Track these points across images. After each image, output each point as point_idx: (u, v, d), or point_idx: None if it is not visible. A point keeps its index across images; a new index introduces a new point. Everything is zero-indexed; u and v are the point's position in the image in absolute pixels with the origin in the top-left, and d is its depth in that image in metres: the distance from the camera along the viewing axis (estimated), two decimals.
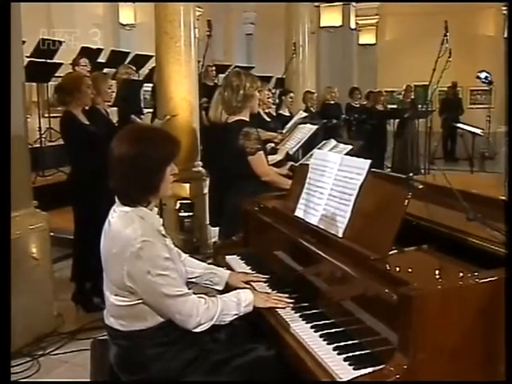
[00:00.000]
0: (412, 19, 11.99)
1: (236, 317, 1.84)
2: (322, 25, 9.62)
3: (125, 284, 1.72)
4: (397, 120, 9.45)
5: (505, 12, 11.55)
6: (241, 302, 1.86)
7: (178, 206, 5.08)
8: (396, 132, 9.68)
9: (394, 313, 1.46)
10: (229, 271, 2.24)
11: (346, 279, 1.77)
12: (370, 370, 1.51)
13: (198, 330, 1.77)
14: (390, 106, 9.76)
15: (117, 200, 1.82)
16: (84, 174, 3.65)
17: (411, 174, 1.85)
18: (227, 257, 2.61)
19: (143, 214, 1.79)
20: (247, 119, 3.12)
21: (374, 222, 1.80)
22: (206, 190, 5.24)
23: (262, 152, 3.06)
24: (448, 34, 5.68)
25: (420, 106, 8.44)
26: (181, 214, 5.08)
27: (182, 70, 5.09)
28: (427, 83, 12.18)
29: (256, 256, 2.54)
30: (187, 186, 5.18)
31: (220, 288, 2.18)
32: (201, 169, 5.50)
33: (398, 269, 1.60)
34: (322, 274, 1.96)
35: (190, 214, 5.13)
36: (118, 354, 1.83)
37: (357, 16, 11.57)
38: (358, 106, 9.02)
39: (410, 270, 1.60)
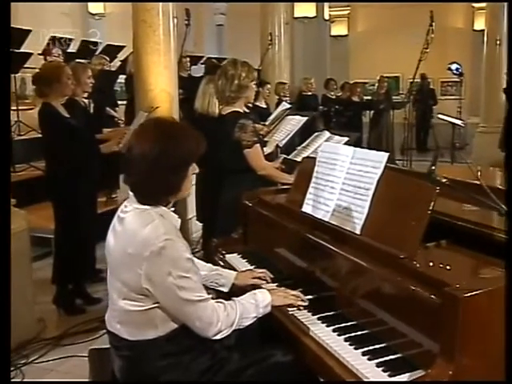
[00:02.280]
0: (383, 11, 12.02)
1: (255, 319, 1.73)
2: (295, 15, 9.49)
3: (141, 286, 1.58)
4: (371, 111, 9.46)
5: (474, 5, 11.70)
6: (259, 303, 1.74)
7: None
8: (371, 123, 9.69)
9: (432, 315, 1.38)
10: (235, 272, 2.12)
11: (370, 279, 1.67)
12: (406, 375, 1.43)
13: (217, 337, 1.65)
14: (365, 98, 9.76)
15: (131, 197, 1.68)
16: (64, 169, 3.45)
17: (433, 168, 1.76)
18: (227, 255, 2.49)
19: (163, 212, 1.66)
20: (242, 111, 2.99)
21: (397, 219, 1.70)
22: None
23: (258, 145, 2.94)
24: (434, 24, 5.59)
25: (407, 95, 8.44)
26: None
27: (160, 60, 4.88)
28: (399, 74, 12.38)
29: (259, 254, 2.42)
30: None
31: (226, 290, 2.05)
32: None
33: (432, 268, 1.51)
34: (339, 273, 1.86)
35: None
36: (124, 366, 1.68)
37: (329, 7, 11.50)
38: (334, 97, 8.97)
39: (444, 268, 1.51)
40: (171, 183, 1.65)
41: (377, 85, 10.08)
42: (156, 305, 1.61)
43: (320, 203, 2.11)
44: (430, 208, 1.59)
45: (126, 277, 1.61)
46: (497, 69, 8.71)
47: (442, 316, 1.34)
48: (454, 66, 10.34)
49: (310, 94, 8.47)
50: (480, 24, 11.18)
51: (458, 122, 6.65)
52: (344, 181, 2.02)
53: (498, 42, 8.88)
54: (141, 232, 1.59)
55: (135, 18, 4.80)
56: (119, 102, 6.48)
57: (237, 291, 2.06)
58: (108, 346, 2.98)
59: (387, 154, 1.87)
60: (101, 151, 3.49)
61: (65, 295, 3.72)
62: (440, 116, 6.28)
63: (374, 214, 1.81)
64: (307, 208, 2.18)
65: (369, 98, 9.80)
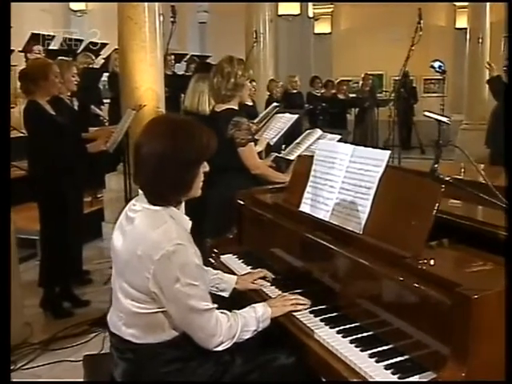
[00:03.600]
0: (365, 9, 12.05)
1: (255, 333, 1.69)
2: (279, 13, 9.46)
3: (148, 290, 1.53)
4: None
5: (456, 4, 11.80)
6: (259, 317, 1.70)
7: None
8: (356, 121, 9.72)
9: (442, 315, 1.36)
10: (235, 276, 2.07)
11: (375, 279, 1.64)
12: (416, 377, 1.41)
13: (218, 349, 1.61)
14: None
15: (141, 196, 1.63)
16: (51, 168, 3.36)
17: (436, 166, 1.74)
18: (222, 256, 2.44)
19: (174, 214, 1.62)
20: (237, 108, 2.95)
21: (401, 218, 1.67)
22: None
23: (252, 143, 2.90)
24: (422, 21, 5.60)
25: (395, 93, 8.46)
26: None
27: (147, 57, 4.82)
28: (382, 72, 12.44)
29: (255, 254, 2.38)
30: None
31: (226, 295, 2.01)
32: None
33: (439, 268, 1.49)
34: (341, 274, 1.83)
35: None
36: (127, 370, 1.62)
37: (313, 5, 11.49)
38: (319, 94, 8.97)
39: (450, 268, 1.49)
40: (183, 181, 1.61)
41: (361, 82, 10.12)
42: (164, 309, 1.56)
43: (319, 202, 2.07)
44: (436, 207, 1.57)
45: (134, 278, 1.56)
46: (479, 66, 8.79)
47: (452, 317, 1.31)
48: (436, 64, 10.40)
49: (295, 91, 8.46)
50: (462, 22, 11.29)
51: (444, 119, 6.71)
52: (344, 179, 1.98)
53: (480, 41, 8.98)
54: (151, 234, 1.54)
55: (120, 15, 4.73)
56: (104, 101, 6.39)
57: (236, 295, 2.03)
58: (101, 350, 2.96)
59: (389, 152, 1.84)
60: (88, 150, 3.41)
61: (52, 298, 3.64)
62: (426, 113, 6.34)
63: (377, 213, 1.78)
64: (305, 207, 2.14)
65: (353, 95, 9.82)
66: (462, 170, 2.37)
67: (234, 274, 2.24)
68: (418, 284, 1.45)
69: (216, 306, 1.62)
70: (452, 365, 1.30)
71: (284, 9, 9.42)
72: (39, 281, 3.64)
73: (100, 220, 5.18)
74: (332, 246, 1.86)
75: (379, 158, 1.86)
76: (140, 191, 1.64)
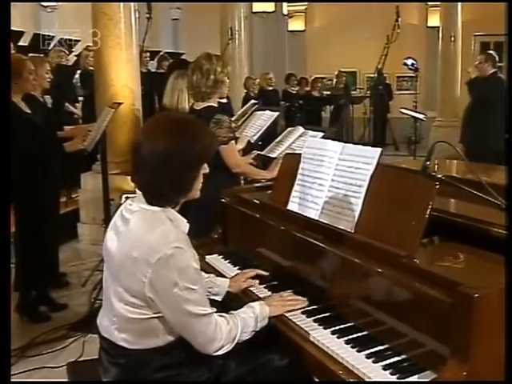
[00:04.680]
0: (339, 6, 12.10)
1: (253, 334, 1.65)
2: (254, 10, 9.42)
3: (144, 294, 1.47)
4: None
5: (429, 2, 11.95)
6: (257, 316, 1.67)
7: (123, 200, 4.74)
8: (331, 118, 9.76)
9: (441, 314, 1.34)
10: (228, 279, 2.02)
11: (369, 278, 1.62)
12: (415, 377, 1.39)
13: (218, 353, 1.56)
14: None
15: (138, 196, 1.58)
16: (27, 169, 3.25)
17: (428, 163, 1.72)
18: (207, 257, 2.39)
19: (172, 215, 1.56)
20: (216, 106, 2.90)
21: (395, 216, 1.66)
22: None
23: (234, 141, 2.85)
24: (400, 19, 5.63)
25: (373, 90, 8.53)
26: None
27: (122, 54, 4.73)
28: (355, 70, 12.52)
29: (241, 254, 2.34)
30: None
31: (219, 299, 1.96)
32: None
33: (435, 266, 1.47)
34: (333, 273, 1.80)
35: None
36: (119, 375, 1.55)
37: (287, 2, 11.48)
38: (294, 92, 8.97)
39: (447, 266, 1.48)
40: (184, 181, 1.56)
41: (335, 80, 10.17)
42: (159, 314, 1.51)
43: (308, 201, 2.04)
44: (431, 204, 1.55)
45: (128, 282, 1.50)
46: (452, 64, 8.94)
47: (453, 316, 1.30)
48: (409, 62, 10.53)
49: (270, 89, 8.42)
50: (433, 21, 11.44)
51: (421, 116, 6.80)
52: (333, 177, 1.96)
53: (453, 39, 9.12)
54: (149, 236, 1.48)
55: (95, 10, 4.63)
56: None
57: (228, 298, 1.98)
58: (81, 355, 2.88)
59: (380, 150, 1.82)
60: (65, 150, 3.31)
61: (28, 302, 3.53)
62: (403, 110, 6.42)
63: (369, 211, 1.76)
64: (293, 206, 2.11)
65: (328, 93, 9.86)
66: (436, 167, 2.37)
67: (221, 274, 2.20)
68: (417, 283, 1.44)
69: (215, 310, 1.58)
70: (453, 364, 1.28)
71: (258, 6, 9.38)
72: (14, 285, 3.52)
73: (75, 221, 5.06)
74: (323, 245, 1.83)
75: (370, 155, 1.84)
76: (138, 191, 1.58)
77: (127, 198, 5.06)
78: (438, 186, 1.58)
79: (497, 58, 5.47)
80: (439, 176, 1.71)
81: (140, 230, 1.52)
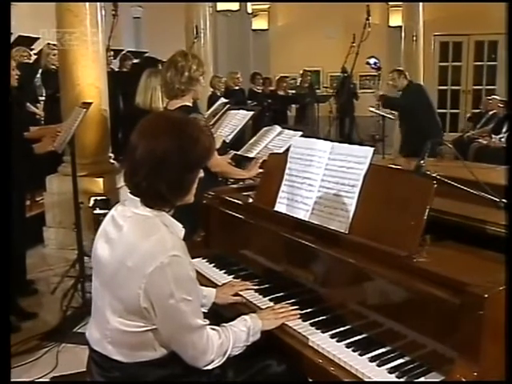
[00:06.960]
0: (301, 5, 12.13)
1: (244, 348, 1.60)
2: (218, 9, 9.34)
3: (139, 306, 1.40)
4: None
5: (390, 2, 12.14)
6: (250, 330, 1.61)
7: (92, 202, 4.59)
8: (296, 117, 9.77)
9: (447, 315, 1.33)
10: (214, 289, 1.95)
11: (365, 280, 1.60)
12: (421, 379, 1.37)
13: (208, 367, 1.50)
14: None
15: (130, 200, 1.49)
16: None
17: (422, 162, 1.71)
18: (191, 260, 2.31)
19: (167, 220, 1.49)
20: (191, 105, 2.83)
21: (392, 216, 1.63)
22: (119, 185, 4.81)
23: None
24: (370, 18, 5.68)
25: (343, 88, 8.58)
26: (96, 212, 4.57)
27: (88, 52, 4.58)
28: (319, 68, 12.59)
29: (226, 258, 2.28)
30: (100, 180, 4.73)
31: (205, 310, 1.88)
32: (113, 162, 5.06)
33: (436, 266, 1.45)
34: (326, 276, 1.77)
35: (106, 211, 4.67)
36: None
37: (251, 1, 11.44)
38: (260, 91, 8.94)
39: (448, 266, 1.46)
40: (182, 184, 1.49)
41: (299, 79, 10.18)
42: (153, 327, 1.43)
43: (297, 202, 2.00)
44: (429, 204, 1.54)
45: (122, 292, 1.42)
46: (413, 63, 9.10)
47: (461, 316, 1.28)
48: (372, 60, 10.62)
49: (237, 88, 8.37)
50: (395, 21, 11.61)
51: (390, 115, 6.89)
52: (323, 177, 1.93)
53: (415, 38, 9.28)
54: (144, 244, 1.41)
55: (59, 7, 4.46)
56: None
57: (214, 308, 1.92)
58: (55, 367, 2.75)
59: (372, 149, 1.80)
60: (34, 151, 3.17)
61: None
62: (371, 109, 6.49)
63: (364, 212, 1.73)
64: (281, 207, 2.06)
65: (293, 91, 9.87)
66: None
67: (206, 278, 2.14)
68: (420, 283, 1.42)
69: (208, 322, 1.52)
70: (463, 364, 1.27)
71: (223, 5, 9.31)
72: None
73: (41, 225, 4.88)
74: (315, 246, 1.80)
75: (362, 154, 1.82)
76: (129, 195, 1.50)
77: (96, 200, 4.88)
78: (436, 186, 1.57)
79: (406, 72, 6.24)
80: (434, 175, 1.71)
81: (134, 237, 1.44)
